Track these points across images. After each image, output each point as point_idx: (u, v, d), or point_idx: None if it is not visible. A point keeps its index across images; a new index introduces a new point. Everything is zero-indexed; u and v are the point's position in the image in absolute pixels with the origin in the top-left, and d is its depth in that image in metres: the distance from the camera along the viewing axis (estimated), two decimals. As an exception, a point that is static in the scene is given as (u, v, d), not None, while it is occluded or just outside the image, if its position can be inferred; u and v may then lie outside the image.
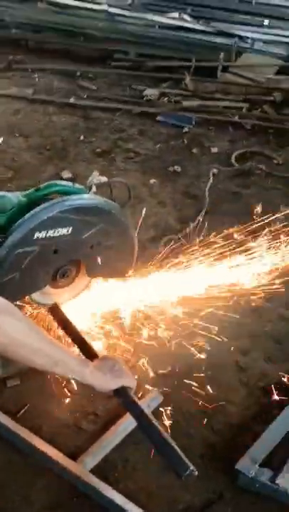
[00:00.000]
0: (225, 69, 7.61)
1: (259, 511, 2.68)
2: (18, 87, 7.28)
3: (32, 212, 2.95)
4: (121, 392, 2.52)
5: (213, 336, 3.51)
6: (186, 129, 6.38)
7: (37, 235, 2.94)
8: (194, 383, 3.22)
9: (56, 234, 2.99)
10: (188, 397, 3.17)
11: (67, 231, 3.02)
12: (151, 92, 7.22)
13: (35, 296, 3.20)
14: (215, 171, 5.50)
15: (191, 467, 2.30)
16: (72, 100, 6.96)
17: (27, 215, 2.95)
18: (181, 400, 3.15)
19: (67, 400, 3.09)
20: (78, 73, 7.74)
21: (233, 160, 5.74)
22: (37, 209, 2.96)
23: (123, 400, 2.54)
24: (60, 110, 6.72)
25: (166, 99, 7.12)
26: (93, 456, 2.80)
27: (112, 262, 3.32)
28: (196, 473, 2.32)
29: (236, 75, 7.54)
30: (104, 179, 3.34)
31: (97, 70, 7.91)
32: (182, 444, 2.56)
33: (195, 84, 7.33)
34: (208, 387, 3.21)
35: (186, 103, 6.97)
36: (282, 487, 2.67)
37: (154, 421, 2.47)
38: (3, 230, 2.99)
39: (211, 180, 5.29)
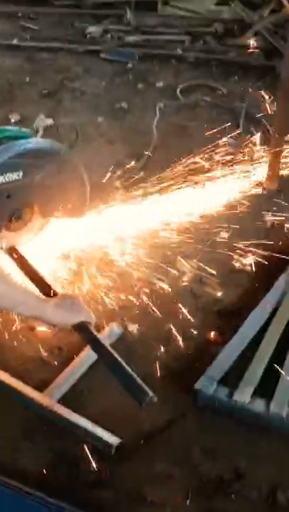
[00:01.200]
0: (166, 2, 7.59)
1: (218, 427, 2.84)
2: None
3: (-19, 160, 3.02)
4: (81, 327, 2.66)
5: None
6: (130, 65, 6.38)
7: None
8: (151, 312, 3.38)
9: (7, 179, 3.05)
10: (147, 326, 3.32)
11: (18, 175, 3.08)
12: (93, 30, 7.19)
13: None
14: (161, 105, 5.56)
15: (150, 394, 2.45)
16: (15, 42, 6.91)
17: (-24, 163, 3.02)
18: (140, 330, 3.30)
19: (32, 336, 3.21)
20: (20, 14, 7.66)
21: (178, 93, 5.80)
22: (-15, 157, 3.03)
23: (83, 334, 2.68)
24: (3, 53, 6.66)
25: (109, 35, 7.11)
26: (59, 387, 2.94)
27: (64, 202, 3.40)
28: (156, 399, 2.47)
29: (177, 8, 7.54)
30: (50, 121, 3.41)
31: (38, 9, 7.83)
32: (143, 370, 2.73)
33: (136, 19, 7.32)
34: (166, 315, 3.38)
35: (128, 38, 6.98)
36: (238, 402, 2.85)
37: (114, 352, 2.62)
38: None
39: (157, 115, 5.36)
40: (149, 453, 2.73)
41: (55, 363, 3.10)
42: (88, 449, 2.69)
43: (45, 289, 2.90)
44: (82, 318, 2.64)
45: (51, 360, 3.11)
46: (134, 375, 2.50)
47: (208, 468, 2.68)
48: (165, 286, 3.53)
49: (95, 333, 2.70)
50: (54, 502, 2.46)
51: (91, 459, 2.66)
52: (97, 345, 2.67)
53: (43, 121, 3.38)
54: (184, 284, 3.60)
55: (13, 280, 2.53)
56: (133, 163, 4.58)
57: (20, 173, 3.08)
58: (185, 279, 3.63)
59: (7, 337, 3.20)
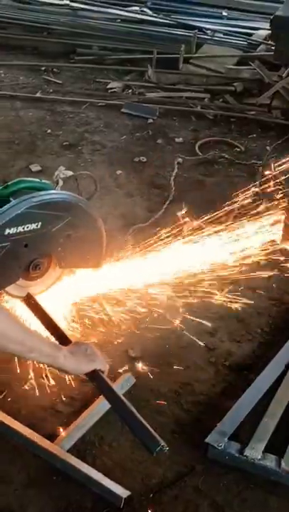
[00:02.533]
0: (186, 60, 7.74)
1: (228, 482, 2.82)
2: (-17, 83, 7.37)
3: (1, 210, 3.05)
4: (94, 375, 2.66)
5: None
6: (150, 120, 6.51)
7: (7, 231, 3.02)
8: (164, 364, 3.39)
9: (26, 229, 3.07)
10: (159, 377, 3.32)
11: (37, 226, 3.11)
12: (115, 85, 7.33)
13: (9, 289, 3.31)
14: (179, 160, 5.64)
15: (162, 443, 2.45)
16: (38, 95, 7.06)
17: (-4, 213, 3.06)
18: (152, 381, 3.30)
19: (44, 385, 3.21)
20: (43, 68, 7.83)
21: (196, 149, 5.89)
22: (5, 207, 3.03)
23: (96, 382, 2.68)
24: (26, 105, 6.79)
25: (130, 91, 7.24)
26: (70, 437, 2.93)
27: (82, 253, 3.42)
28: (167, 448, 2.47)
29: (197, 66, 7.68)
30: (70, 173, 3.45)
31: (61, 64, 7.99)
32: (154, 422, 2.73)
33: (158, 76, 7.45)
34: (178, 367, 3.38)
35: (149, 95, 7.11)
36: (249, 458, 2.83)
37: (126, 402, 2.62)
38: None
39: (176, 170, 5.44)
40: (157, 507, 2.70)
41: (67, 412, 3.10)
42: (96, 500, 2.68)
43: (60, 336, 2.91)
44: (95, 366, 2.64)
45: (63, 410, 3.10)
46: (147, 424, 2.50)
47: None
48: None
49: (109, 381, 2.70)
50: None
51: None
52: (109, 394, 2.67)
53: (63, 173, 3.41)
54: (197, 336, 3.60)
55: (27, 327, 2.54)
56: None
57: (39, 224, 3.12)
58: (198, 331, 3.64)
59: (19, 385, 3.21)
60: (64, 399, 3.16)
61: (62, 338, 2.88)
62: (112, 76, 7.67)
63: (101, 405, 3.04)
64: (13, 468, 2.83)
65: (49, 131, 6.21)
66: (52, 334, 2.96)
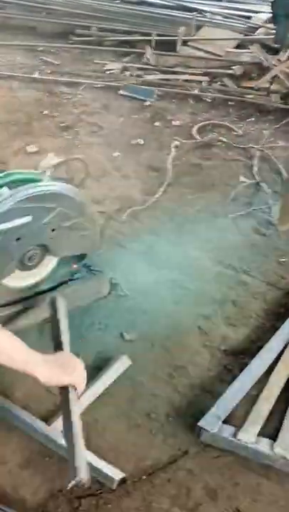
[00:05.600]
0: (185, 43, 7.71)
1: (221, 465, 2.81)
2: (-19, 63, 7.33)
3: (-11, 206, 3.06)
4: (63, 391, 2.54)
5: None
6: (148, 103, 6.50)
7: None
8: (159, 347, 3.39)
9: (16, 224, 3.09)
10: (154, 360, 3.32)
11: (27, 219, 3.12)
12: (113, 67, 7.31)
13: (7, 281, 3.31)
14: (177, 143, 5.63)
15: (82, 477, 2.29)
16: (35, 75, 7.03)
17: (-15, 209, 3.06)
18: (148, 363, 3.30)
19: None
20: (41, 48, 7.79)
21: (194, 132, 5.88)
22: (-7, 203, 3.07)
23: (62, 398, 2.56)
24: (24, 85, 6.78)
25: (128, 73, 7.22)
26: (64, 419, 2.93)
27: (76, 240, 3.44)
28: (83, 484, 2.32)
29: (196, 49, 7.65)
30: (58, 160, 3.44)
31: (60, 45, 7.96)
32: (148, 405, 2.72)
33: (156, 58, 7.43)
34: (173, 350, 3.38)
35: (147, 77, 7.09)
36: (243, 442, 2.83)
37: (79, 426, 2.48)
38: None
39: (173, 153, 5.43)
40: (150, 489, 2.70)
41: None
42: (90, 481, 2.67)
43: (58, 344, 2.83)
44: (69, 381, 2.53)
45: (57, 392, 3.09)
46: (84, 456, 2.40)
47: (209, 508, 2.65)
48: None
49: (73, 402, 2.55)
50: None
51: (92, 492, 2.65)
52: (65, 414, 2.57)
53: (53, 159, 3.41)
54: (193, 320, 3.60)
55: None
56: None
57: (30, 217, 3.12)
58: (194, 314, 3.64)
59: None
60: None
61: (58, 346, 2.79)
62: (110, 57, 7.64)
63: (95, 388, 3.05)
64: (8, 449, 2.82)
65: (46, 112, 6.19)
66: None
